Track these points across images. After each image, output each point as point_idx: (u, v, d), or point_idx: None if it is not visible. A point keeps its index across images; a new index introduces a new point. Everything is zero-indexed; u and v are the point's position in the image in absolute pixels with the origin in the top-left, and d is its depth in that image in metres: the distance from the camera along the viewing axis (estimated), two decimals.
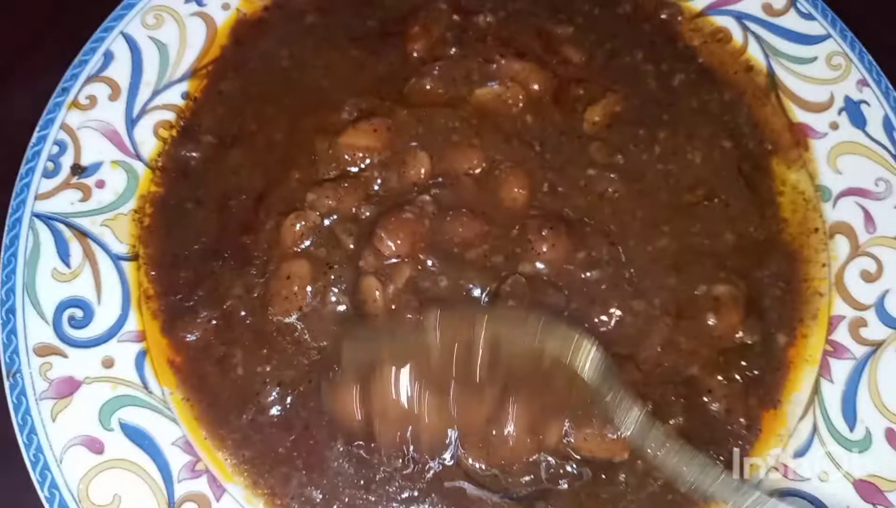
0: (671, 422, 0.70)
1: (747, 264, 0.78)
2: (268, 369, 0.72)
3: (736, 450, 0.71)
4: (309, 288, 0.73)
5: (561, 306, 0.73)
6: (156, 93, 0.83)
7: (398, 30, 0.87)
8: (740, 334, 0.75)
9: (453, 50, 0.84)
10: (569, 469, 0.70)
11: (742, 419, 0.73)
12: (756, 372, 0.75)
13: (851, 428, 0.74)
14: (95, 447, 0.69)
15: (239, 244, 0.76)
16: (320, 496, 0.70)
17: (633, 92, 0.84)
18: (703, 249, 0.78)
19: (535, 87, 0.82)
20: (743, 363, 0.75)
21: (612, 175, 0.78)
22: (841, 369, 0.76)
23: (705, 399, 0.73)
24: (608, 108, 0.82)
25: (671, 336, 0.74)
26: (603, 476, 0.70)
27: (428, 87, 0.81)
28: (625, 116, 0.82)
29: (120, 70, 0.82)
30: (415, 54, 0.84)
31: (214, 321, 0.74)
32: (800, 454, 0.72)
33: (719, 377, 0.74)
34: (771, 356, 0.76)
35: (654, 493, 0.70)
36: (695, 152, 0.81)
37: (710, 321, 0.74)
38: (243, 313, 0.74)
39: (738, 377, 0.74)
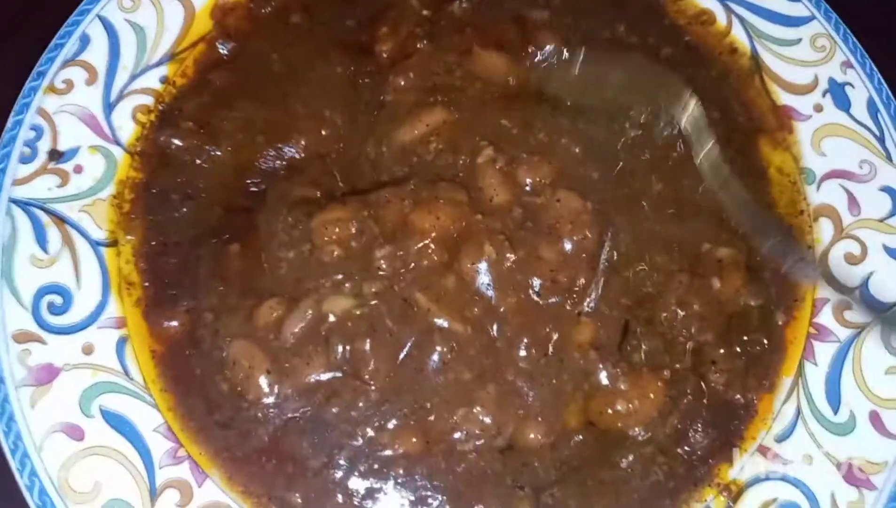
0: (685, 400, 0.72)
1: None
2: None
3: (735, 449, 0.72)
4: (263, 380, 0.71)
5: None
6: (133, 77, 0.81)
7: (370, 34, 0.85)
8: (744, 297, 0.76)
9: (422, 44, 0.83)
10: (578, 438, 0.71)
11: (739, 398, 0.74)
12: (757, 349, 0.76)
13: (835, 411, 0.74)
14: (76, 434, 0.68)
15: (224, 251, 0.75)
16: (298, 499, 0.69)
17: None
18: (697, 201, 0.78)
19: (511, 81, 0.82)
20: (745, 338, 0.75)
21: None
22: (825, 352, 0.76)
23: (711, 367, 0.74)
24: None
25: (685, 296, 0.75)
26: (610, 458, 0.71)
27: (406, 90, 0.80)
28: None
29: (97, 54, 0.81)
30: (384, 55, 0.83)
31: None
32: (783, 437, 0.72)
33: (722, 351, 0.74)
34: (771, 336, 0.77)
35: (657, 482, 0.71)
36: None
37: (716, 285, 0.75)
38: (207, 346, 0.72)
39: (740, 352, 0.75)
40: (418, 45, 0.83)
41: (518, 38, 0.85)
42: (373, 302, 0.71)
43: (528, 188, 0.76)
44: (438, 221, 0.72)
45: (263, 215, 0.75)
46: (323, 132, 0.80)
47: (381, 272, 0.72)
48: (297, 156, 0.79)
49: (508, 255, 0.72)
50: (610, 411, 0.71)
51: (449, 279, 0.72)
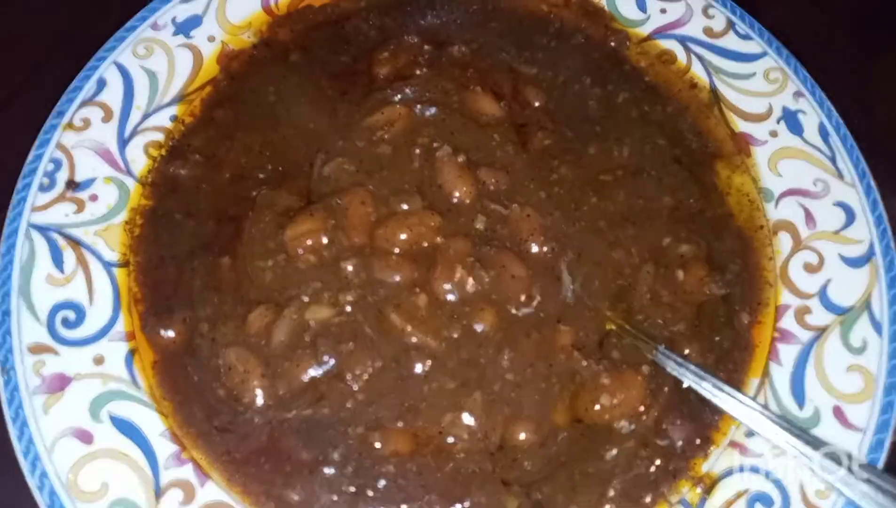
0: (663, 393, 0.77)
1: (705, 232, 0.86)
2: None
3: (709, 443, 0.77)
4: (258, 383, 0.75)
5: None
6: (146, 116, 0.89)
7: (367, 63, 0.94)
8: (709, 287, 0.82)
9: (422, 71, 0.91)
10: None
11: None
12: (726, 346, 0.81)
13: (801, 407, 0.78)
14: (85, 438, 0.72)
15: (216, 264, 0.81)
16: (295, 496, 0.73)
17: (568, 124, 0.92)
18: (642, 207, 0.86)
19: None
20: (717, 338, 0.81)
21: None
22: (789, 353, 0.81)
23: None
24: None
25: (654, 286, 0.82)
26: (595, 452, 0.75)
27: (397, 102, 0.88)
28: (555, 147, 0.90)
29: (113, 95, 0.89)
30: (380, 77, 0.92)
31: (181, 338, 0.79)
32: (753, 432, 0.76)
33: (695, 345, 0.80)
34: (737, 334, 0.82)
35: (639, 474, 0.75)
36: (622, 149, 0.90)
37: (680, 276, 0.82)
38: (205, 354, 0.77)
39: (711, 348, 0.80)
40: (417, 71, 0.91)
41: (511, 91, 0.94)
42: (348, 309, 0.77)
43: (491, 187, 0.83)
44: (400, 238, 0.80)
45: (248, 222, 0.82)
46: (307, 144, 0.87)
47: (353, 281, 0.78)
48: (283, 168, 0.87)
49: (481, 274, 0.78)
50: (597, 406, 0.76)
51: (420, 298, 0.78)
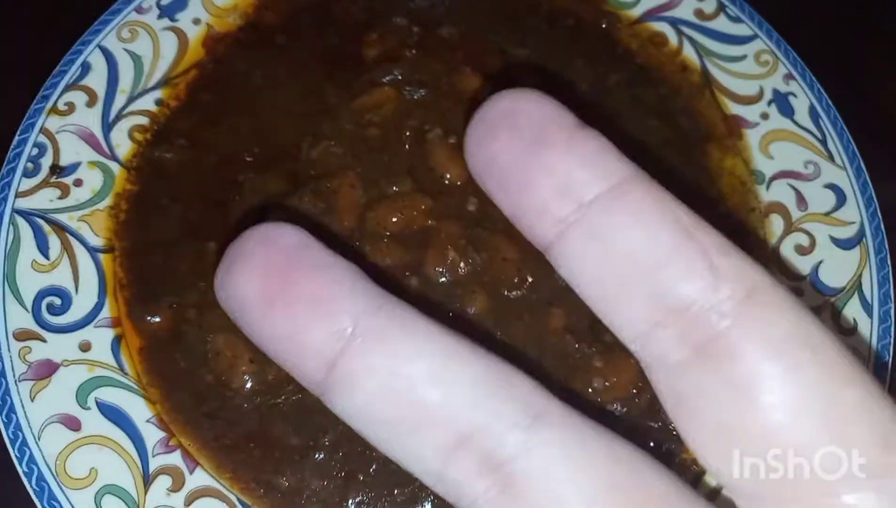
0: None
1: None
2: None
3: None
4: (246, 368, 0.74)
5: None
6: (131, 100, 0.88)
7: (355, 45, 0.93)
8: None
9: (412, 53, 0.90)
10: None
11: None
12: None
13: None
14: (73, 424, 0.72)
15: (203, 249, 0.80)
16: (284, 482, 0.72)
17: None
18: None
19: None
20: None
21: None
22: None
23: None
24: None
25: None
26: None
27: (385, 84, 0.87)
28: None
29: (97, 79, 0.87)
30: (369, 58, 0.90)
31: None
32: None
33: None
34: None
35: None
36: (614, 132, 0.87)
37: None
38: (192, 341, 0.76)
39: None
40: (407, 53, 0.90)
41: (502, 73, 0.92)
42: None
43: None
44: (391, 221, 0.79)
45: (235, 207, 0.81)
46: (295, 127, 0.86)
47: None
48: (271, 152, 0.85)
49: (473, 256, 0.78)
50: (589, 390, 0.75)
51: (412, 282, 0.77)
